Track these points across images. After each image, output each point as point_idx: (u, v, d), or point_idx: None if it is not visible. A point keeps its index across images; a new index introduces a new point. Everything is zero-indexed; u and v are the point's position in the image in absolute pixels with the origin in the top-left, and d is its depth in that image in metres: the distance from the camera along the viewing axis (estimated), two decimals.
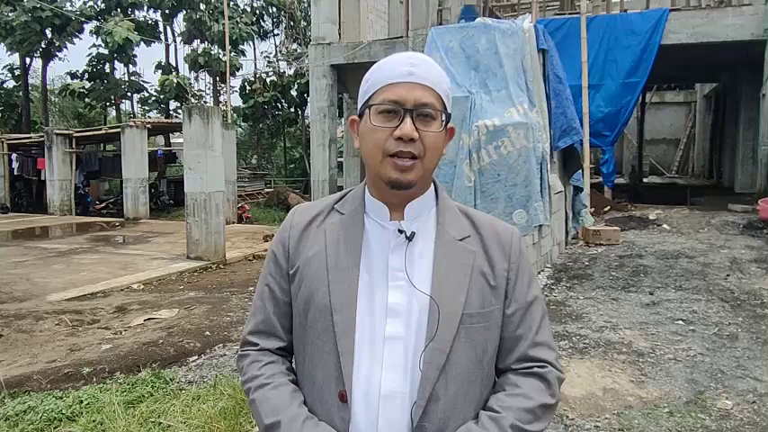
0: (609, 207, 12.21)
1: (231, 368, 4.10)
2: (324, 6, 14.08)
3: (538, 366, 1.12)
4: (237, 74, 24.17)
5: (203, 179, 8.82)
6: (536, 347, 1.13)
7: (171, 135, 22.31)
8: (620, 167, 22.34)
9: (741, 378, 3.85)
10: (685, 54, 12.56)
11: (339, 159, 16.60)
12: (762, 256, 7.62)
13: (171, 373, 4.04)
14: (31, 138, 17.82)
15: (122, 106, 25.36)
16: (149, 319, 5.56)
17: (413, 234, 1.11)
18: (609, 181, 13.42)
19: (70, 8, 21.59)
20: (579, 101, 9.57)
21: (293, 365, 1.21)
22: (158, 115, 24.37)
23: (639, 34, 12.02)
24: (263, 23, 25.98)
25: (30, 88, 24.75)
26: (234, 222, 14.29)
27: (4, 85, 24.94)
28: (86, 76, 22.99)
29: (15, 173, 17.91)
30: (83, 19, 21.64)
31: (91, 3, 22.12)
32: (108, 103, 24.54)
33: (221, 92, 24.57)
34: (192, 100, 23.04)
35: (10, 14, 20.27)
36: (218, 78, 23.70)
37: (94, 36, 21.88)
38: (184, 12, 22.83)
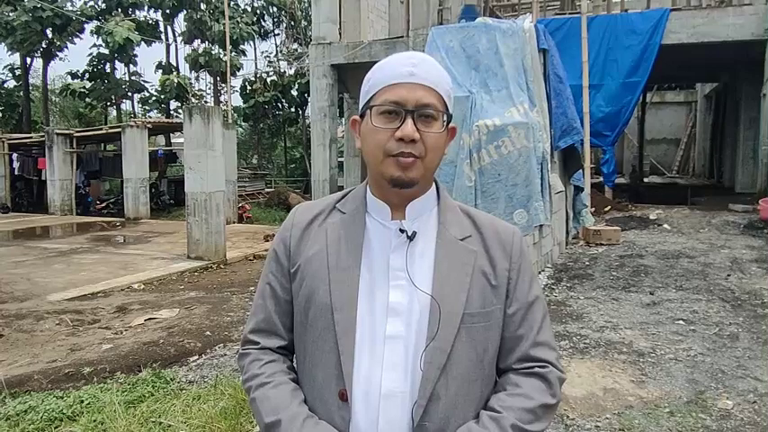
0: (609, 207, 12.21)
1: (232, 368, 4.10)
2: (324, 6, 14.08)
3: (539, 366, 1.12)
4: (238, 74, 24.24)
5: (204, 179, 8.82)
6: (537, 347, 1.13)
7: (171, 135, 22.33)
8: (621, 167, 22.35)
9: (742, 378, 3.84)
10: (686, 54, 12.56)
11: (340, 159, 16.61)
12: (762, 256, 7.62)
13: (171, 372, 4.04)
14: (31, 138, 17.84)
15: (123, 106, 25.44)
16: (150, 318, 5.56)
17: (414, 233, 1.11)
18: (609, 181, 13.42)
19: (71, 8, 21.61)
20: (580, 101, 9.58)
21: (294, 364, 1.21)
22: (159, 115, 24.35)
23: (640, 34, 12.03)
24: (263, 23, 26.00)
25: (30, 88, 24.79)
26: (234, 222, 14.29)
27: (5, 85, 24.99)
28: (87, 75, 23.01)
29: (16, 173, 17.94)
30: (83, 19, 21.65)
31: (91, 3, 22.16)
32: (108, 103, 24.55)
33: (222, 92, 24.62)
34: (193, 100, 23.04)
35: (11, 14, 20.28)
36: (218, 78, 23.72)
37: (95, 36, 21.91)
38: (185, 12, 22.84)
